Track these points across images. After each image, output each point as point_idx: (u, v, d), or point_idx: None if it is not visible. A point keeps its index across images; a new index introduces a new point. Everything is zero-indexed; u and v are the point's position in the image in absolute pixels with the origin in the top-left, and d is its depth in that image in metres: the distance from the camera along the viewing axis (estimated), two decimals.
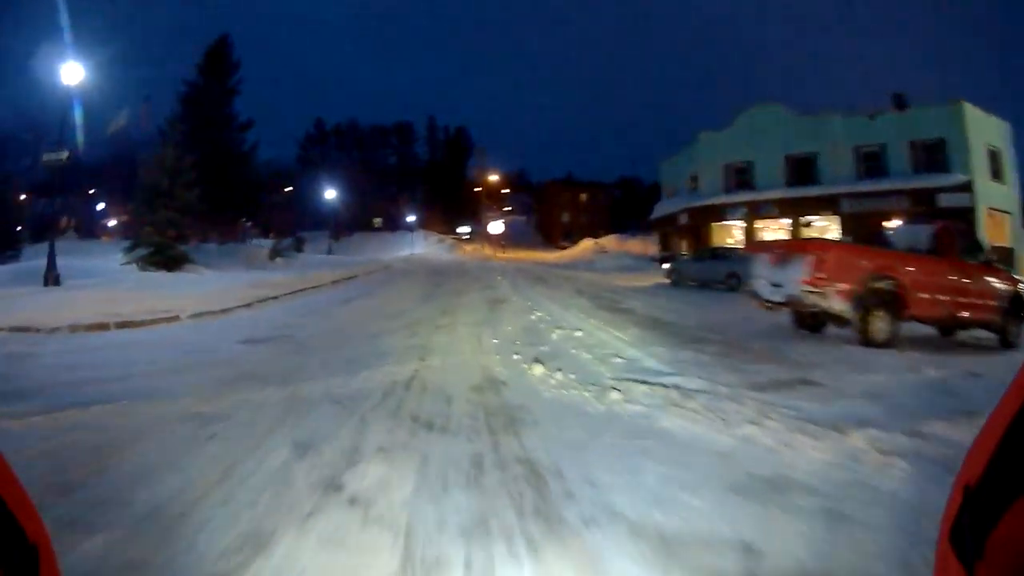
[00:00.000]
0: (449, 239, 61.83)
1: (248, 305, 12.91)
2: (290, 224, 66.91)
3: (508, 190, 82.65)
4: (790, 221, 30.30)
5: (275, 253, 25.61)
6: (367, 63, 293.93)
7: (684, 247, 33.67)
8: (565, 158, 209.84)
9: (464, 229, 59.35)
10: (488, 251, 58.85)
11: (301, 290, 16.62)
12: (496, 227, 38.15)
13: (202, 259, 19.07)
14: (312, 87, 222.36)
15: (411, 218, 61.02)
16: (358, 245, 57.70)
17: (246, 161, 30.11)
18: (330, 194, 43.14)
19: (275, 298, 14.39)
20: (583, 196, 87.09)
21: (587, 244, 61.62)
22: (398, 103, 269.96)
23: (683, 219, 34.86)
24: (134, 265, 16.07)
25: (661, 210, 38.66)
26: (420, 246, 56.05)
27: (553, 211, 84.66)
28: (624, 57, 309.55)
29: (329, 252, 38.44)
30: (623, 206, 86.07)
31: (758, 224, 31.38)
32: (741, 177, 33.16)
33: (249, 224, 59.93)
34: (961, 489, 0.61)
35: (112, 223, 59.61)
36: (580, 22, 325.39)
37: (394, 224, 68.81)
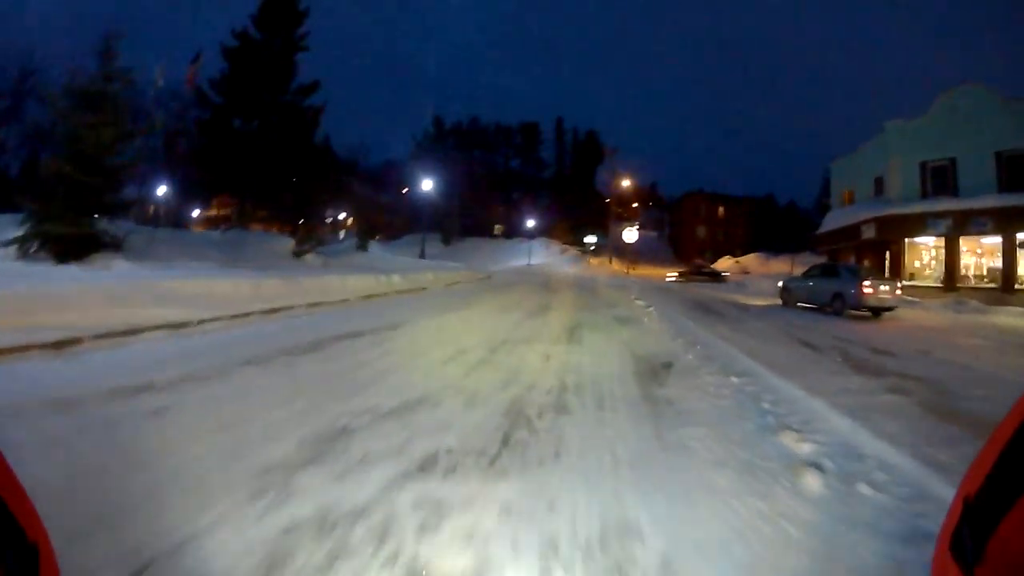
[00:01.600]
0: (573, 250, 55.39)
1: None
2: (401, 225, 64.94)
3: (638, 203, 75.95)
4: (1000, 239, 21.85)
5: (301, 250, 18.33)
6: (490, 61, 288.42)
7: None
8: (696, 174, 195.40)
9: (591, 239, 53.26)
10: (617, 266, 50.84)
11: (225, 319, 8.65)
12: (630, 235, 31.52)
13: (167, 248, 12.81)
14: (433, 86, 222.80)
15: (530, 223, 55.83)
16: (469, 251, 52.89)
17: (307, 133, 23.51)
18: (427, 185, 37.92)
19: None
20: (721, 210, 76.86)
21: (726, 262, 54.04)
22: (521, 106, 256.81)
23: (868, 232, 26.57)
24: (13, 250, 10.04)
25: (834, 222, 28.79)
26: (540, 256, 50.28)
27: (688, 226, 75.15)
28: (762, 69, 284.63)
29: (422, 256, 33.82)
30: (758, 225, 76.60)
31: (963, 242, 23.07)
32: (940, 179, 24.81)
33: (341, 218, 57.55)
34: (961, 501, 0.66)
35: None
36: (716, 32, 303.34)
37: (515, 231, 64.49)
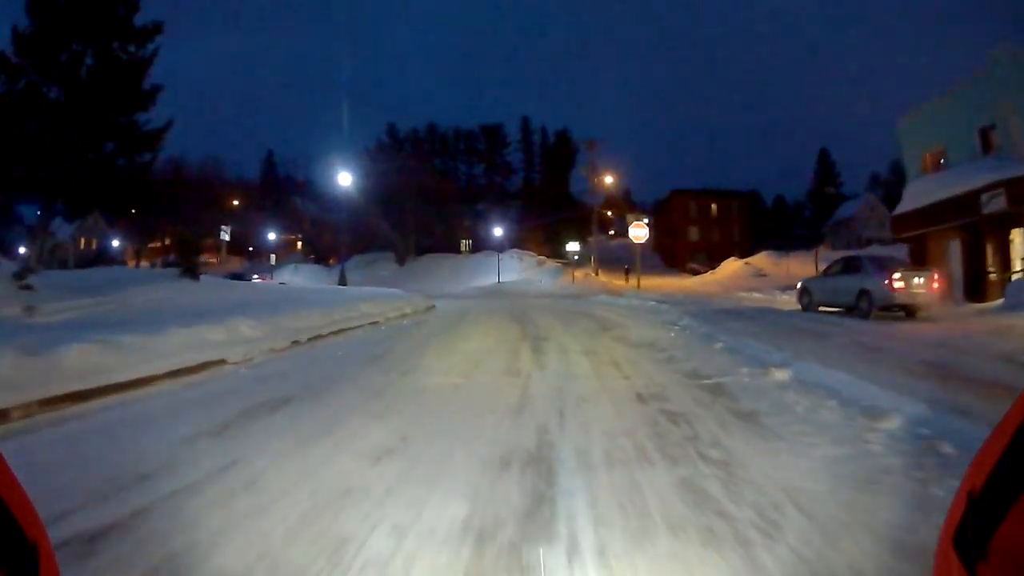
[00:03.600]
0: (552, 262, 46.67)
1: None
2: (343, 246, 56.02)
3: (611, 211, 68.34)
4: None
5: (21, 275, 9.65)
6: (444, 63, 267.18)
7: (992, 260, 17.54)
8: (669, 176, 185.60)
9: (574, 247, 44.88)
10: (605, 278, 42.73)
11: None
12: (639, 232, 22.09)
13: None
14: (382, 92, 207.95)
15: (498, 232, 46.38)
16: (425, 271, 43.55)
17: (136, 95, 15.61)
18: (345, 180, 28.19)
19: None
20: (713, 207, 69.03)
21: (733, 265, 45.77)
22: (481, 111, 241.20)
23: (995, 203, 17.59)
24: None
25: (923, 195, 19.70)
26: (512, 271, 41.30)
27: (677, 227, 66.99)
28: (728, 56, 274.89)
29: (341, 281, 24.15)
30: (754, 222, 69.33)
31: None
32: None
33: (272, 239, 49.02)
34: (964, 496, 0.64)
35: None
36: (678, 24, 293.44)
37: (484, 244, 55.39)
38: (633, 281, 42.63)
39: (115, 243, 56.89)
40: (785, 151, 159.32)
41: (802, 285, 16.80)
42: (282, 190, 62.25)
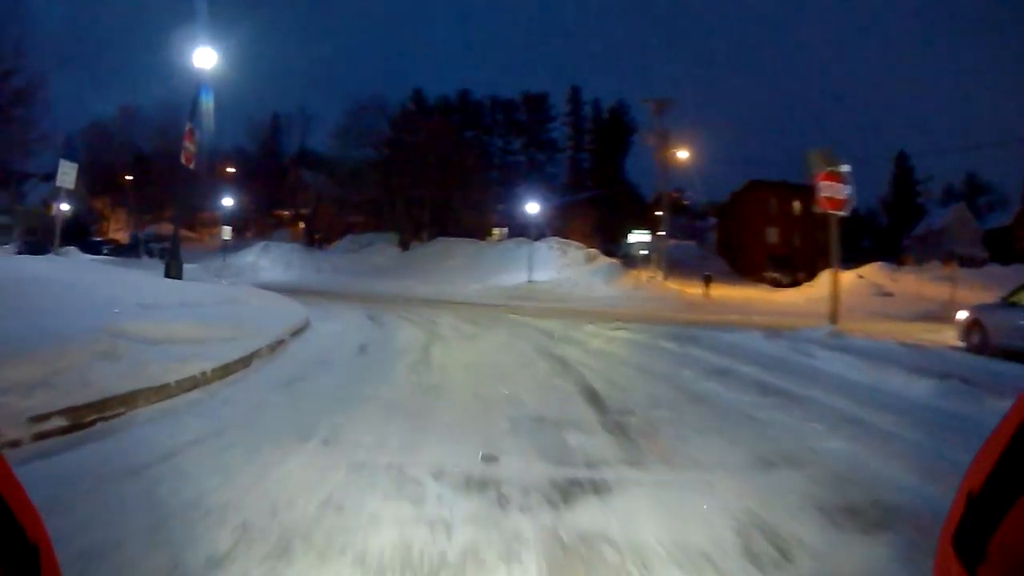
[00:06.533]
0: (605, 258, 33.72)
1: None
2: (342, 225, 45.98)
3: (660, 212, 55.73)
4: None
5: None
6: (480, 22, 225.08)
7: None
8: (723, 171, 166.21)
9: (641, 237, 33.48)
10: (675, 284, 31.25)
11: None
12: (836, 190, 10.53)
13: None
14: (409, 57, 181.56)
15: (533, 208, 34.12)
16: (436, 259, 32.86)
17: None
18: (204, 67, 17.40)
19: None
20: (796, 204, 53.54)
21: (837, 277, 33.66)
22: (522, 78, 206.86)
23: None
24: None
25: None
26: (550, 266, 29.79)
27: (752, 227, 54.66)
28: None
29: (171, 270, 12.73)
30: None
31: None
32: None
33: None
34: (964, 496, 0.64)
35: None
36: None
37: (519, 230, 43.48)
38: (712, 291, 31.43)
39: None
40: (849, 150, 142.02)
41: (974, 316, 12.62)
42: (284, 158, 52.23)
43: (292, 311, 9.47)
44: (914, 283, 30.95)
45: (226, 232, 33.78)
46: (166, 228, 52.17)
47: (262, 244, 37.26)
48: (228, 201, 37.28)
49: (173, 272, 11.85)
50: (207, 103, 13.20)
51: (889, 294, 30.53)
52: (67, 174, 14.16)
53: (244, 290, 12.08)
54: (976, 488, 0.61)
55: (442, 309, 15.54)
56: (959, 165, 60.82)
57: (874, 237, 64.54)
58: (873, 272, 34.29)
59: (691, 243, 63.46)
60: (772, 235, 54.99)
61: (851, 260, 36.88)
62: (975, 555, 0.58)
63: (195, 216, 47.20)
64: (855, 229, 63.32)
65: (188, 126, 12.66)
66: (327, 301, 15.50)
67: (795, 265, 48.08)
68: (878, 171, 71.28)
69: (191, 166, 13.03)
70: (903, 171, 65.87)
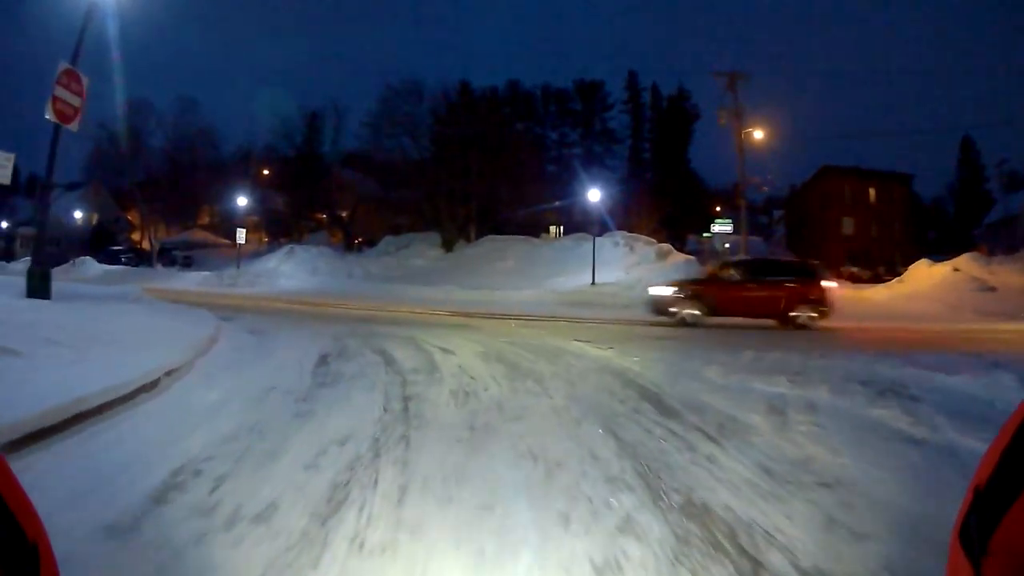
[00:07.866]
0: (678, 254, 28.88)
1: None
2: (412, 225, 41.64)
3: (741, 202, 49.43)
4: None
5: None
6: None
7: None
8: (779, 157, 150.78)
9: (723, 227, 28.11)
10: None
11: None
12: None
13: None
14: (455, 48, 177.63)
15: (594, 196, 28.51)
16: (484, 261, 28.27)
17: None
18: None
19: None
20: (872, 193, 50.41)
21: (932, 271, 27.68)
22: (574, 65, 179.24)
23: None
24: None
25: None
26: (615, 265, 24.66)
27: (827, 217, 49.52)
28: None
29: (35, 286, 8.47)
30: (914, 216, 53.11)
31: None
32: None
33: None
34: (972, 491, 0.64)
35: None
36: None
37: (576, 227, 38.89)
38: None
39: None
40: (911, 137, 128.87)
41: None
42: (321, 159, 48.60)
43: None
44: (1013, 276, 25.30)
45: (240, 236, 30.45)
46: (198, 235, 49.79)
47: (287, 248, 33.61)
48: (243, 201, 34.11)
49: (36, 287, 7.34)
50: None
51: (992, 288, 24.83)
52: (3, 167, 10.11)
53: (135, 319, 7.52)
54: (981, 484, 0.61)
55: (471, 332, 10.53)
56: None
57: (943, 226, 61.66)
58: (967, 264, 28.07)
59: (757, 239, 57.56)
60: (848, 226, 49.85)
61: (928, 253, 31.87)
62: (979, 550, 0.58)
63: (231, 222, 43.93)
64: (921, 220, 57.56)
65: (63, 67, 8.24)
66: (291, 326, 10.78)
67: (873, 258, 44.52)
68: (946, 157, 64.77)
69: (71, 126, 8.56)
70: (969, 158, 61.88)
